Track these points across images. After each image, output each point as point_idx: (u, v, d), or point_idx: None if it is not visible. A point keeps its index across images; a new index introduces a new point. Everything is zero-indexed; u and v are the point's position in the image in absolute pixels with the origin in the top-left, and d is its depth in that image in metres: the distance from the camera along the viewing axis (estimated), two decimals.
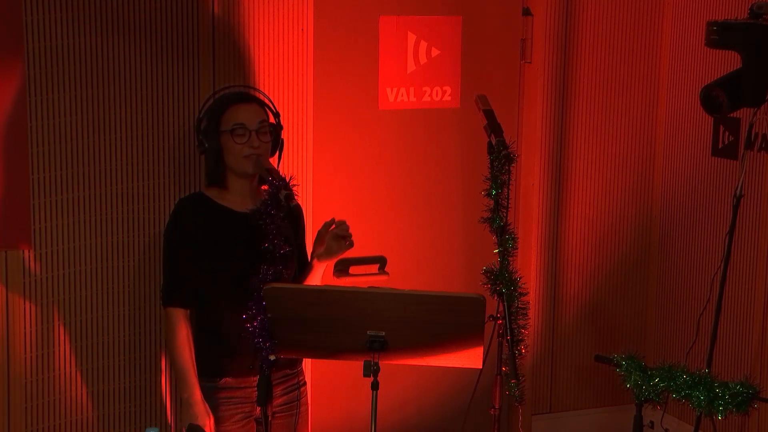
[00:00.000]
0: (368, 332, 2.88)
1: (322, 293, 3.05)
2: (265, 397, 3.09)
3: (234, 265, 3.31)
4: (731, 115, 4.16)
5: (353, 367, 2.90)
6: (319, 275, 3.46)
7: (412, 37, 4.40)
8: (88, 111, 3.73)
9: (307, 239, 3.66)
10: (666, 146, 4.84)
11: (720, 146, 4.53)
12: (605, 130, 4.78)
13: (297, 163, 4.08)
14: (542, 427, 4.83)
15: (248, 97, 3.44)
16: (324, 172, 4.27)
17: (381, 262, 4.40)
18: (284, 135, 3.56)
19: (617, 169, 4.82)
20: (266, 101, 3.46)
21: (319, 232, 3.40)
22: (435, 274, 4.55)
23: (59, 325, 3.76)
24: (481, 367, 3.06)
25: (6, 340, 3.68)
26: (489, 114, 3.42)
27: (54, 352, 3.76)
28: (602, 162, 4.79)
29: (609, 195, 4.83)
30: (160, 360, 3.93)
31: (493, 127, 3.36)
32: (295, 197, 3.20)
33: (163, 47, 3.82)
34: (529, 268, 4.70)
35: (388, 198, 4.46)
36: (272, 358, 3.07)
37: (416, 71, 4.42)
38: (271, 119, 3.44)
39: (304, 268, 3.51)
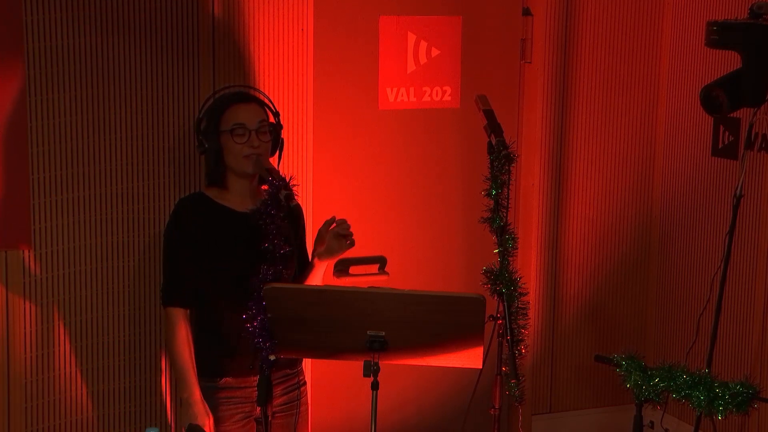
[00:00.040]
0: (368, 332, 2.88)
1: (322, 293, 3.05)
2: (265, 397, 3.09)
3: (234, 265, 3.31)
4: (731, 115, 4.16)
5: (353, 367, 2.90)
6: (320, 274, 3.46)
7: (412, 37, 4.40)
8: (88, 111, 3.73)
9: (307, 239, 3.66)
10: (666, 146, 4.84)
11: (720, 146, 4.53)
12: (605, 130, 4.78)
13: (297, 163, 4.08)
14: (542, 427, 4.83)
15: (248, 96, 3.44)
16: (324, 172, 4.27)
17: (381, 262, 4.40)
18: (284, 135, 3.56)
19: (617, 169, 4.82)
20: (266, 101, 3.46)
21: (320, 230, 3.40)
22: (435, 274, 4.55)
23: (59, 325, 3.76)
24: (481, 367, 3.06)
25: (6, 340, 3.68)
26: (489, 114, 3.42)
27: (54, 352, 3.76)
28: (602, 162, 4.79)
29: (609, 195, 4.83)
30: (160, 360, 3.93)
31: (493, 127, 3.36)
32: (295, 197, 3.20)
33: (163, 47, 3.82)
34: (529, 268, 4.70)
35: (388, 198, 4.46)
36: (272, 358, 3.07)
37: (416, 71, 4.42)
38: (271, 119, 3.44)
39: (304, 267, 3.51)
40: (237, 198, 3.40)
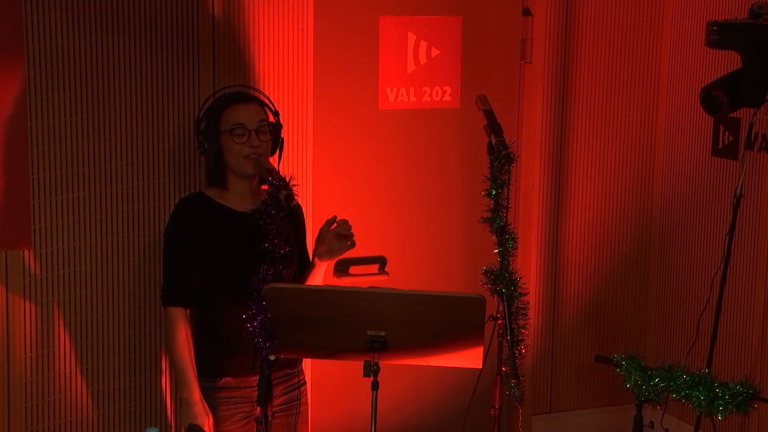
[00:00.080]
0: (368, 332, 2.88)
1: (322, 293, 3.05)
2: (265, 397, 3.09)
3: (234, 265, 3.31)
4: (731, 115, 4.16)
5: (353, 367, 2.90)
6: (321, 274, 3.46)
7: (412, 37, 4.40)
8: (88, 111, 3.73)
9: (307, 239, 3.66)
10: (666, 146, 4.84)
11: (720, 146, 4.53)
12: (605, 130, 4.78)
13: (297, 163, 4.08)
14: (542, 427, 4.83)
15: (247, 96, 3.44)
16: (324, 172, 4.27)
17: (381, 262, 4.40)
18: (284, 135, 3.56)
19: (617, 169, 4.82)
20: (265, 100, 3.46)
21: (321, 230, 3.40)
22: (435, 274, 4.55)
23: (59, 325, 3.76)
24: (481, 367, 3.06)
25: (6, 340, 3.68)
26: (489, 114, 3.42)
27: (54, 352, 3.76)
28: (602, 162, 4.79)
29: (609, 195, 4.83)
30: (160, 360, 3.93)
31: (493, 127, 3.36)
32: (295, 197, 3.20)
33: (163, 47, 3.82)
34: (529, 268, 4.70)
35: (388, 198, 4.46)
36: (272, 358, 3.07)
37: (416, 71, 4.42)
38: (271, 118, 3.44)
39: (304, 267, 3.51)
40: (237, 198, 3.40)
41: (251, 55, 3.96)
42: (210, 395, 3.33)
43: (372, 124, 4.38)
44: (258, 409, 3.13)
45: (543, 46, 4.59)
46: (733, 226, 4.07)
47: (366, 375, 2.84)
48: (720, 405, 3.06)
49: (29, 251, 3.69)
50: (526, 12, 4.60)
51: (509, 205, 3.34)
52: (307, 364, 3.99)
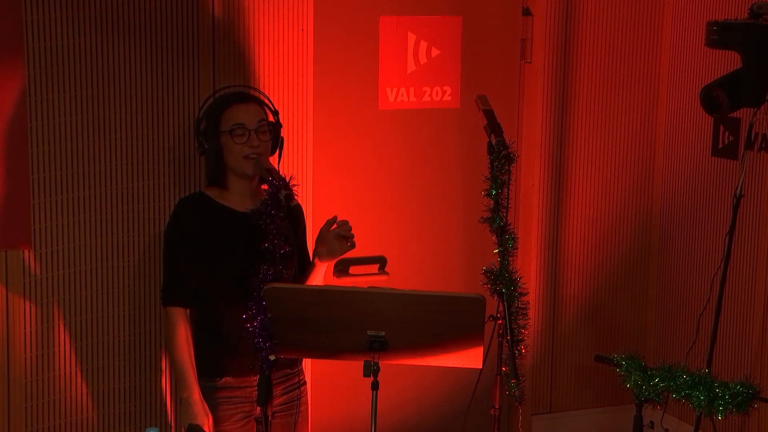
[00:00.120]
0: (368, 332, 2.88)
1: (322, 293, 3.05)
2: (265, 397, 3.09)
3: (234, 265, 3.31)
4: (731, 115, 4.16)
5: (353, 367, 2.90)
6: (321, 275, 3.46)
7: (412, 37, 4.40)
8: (88, 111, 3.73)
9: (307, 239, 3.66)
10: (666, 146, 4.84)
11: (720, 146, 4.53)
12: (605, 130, 4.78)
13: (297, 163, 4.08)
14: (542, 427, 4.83)
15: (247, 96, 3.44)
16: (324, 172, 4.27)
17: (381, 262, 4.40)
18: (284, 135, 3.56)
19: (617, 169, 4.82)
20: (264, 100, 3.46)
21: (321, 230, 3.40)
22: (435, 274, 4.55)
23: (59, 325, 3.76)
24: (481, 367, 3.06)
25: (6, 340, 3.68)
26: (489, 114, 3.42)
27: (54, 352, 3.76)
28: (602, 162, 4.79)
29: (609, 195, 4.83)
30: (160, 360, 3.93)
31: (493, 127, 3.36)
32: (295, 197, 3.20)
33: (163, 47, 3.82)
34: (529, 268, 4.70)
35: (388, 198, 4.46)
36: (272, 358, 3.07)
37: (416, 71, 4.42)
38: (270, 118, 3.44)
39: (305, 267, 3.51)
40: (237, 198, 3.40)
41: (251, 55, 3.96)
42: (210, 395, 3.33)
43: (372, 124, 4.38)
44: (258, 409, 3.13)
45: (543, 46, 4.59)
46: (733, 226, 4.07)
47: (366, 375, 2.84)
48: (720, 405, 3.06)
49: (29, 251, 3.69)
50: (526, 12, 4.60)
51: (509, 205, 3.34)
52: (307, 364, 3.99)
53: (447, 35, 4.46)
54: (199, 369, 3.33)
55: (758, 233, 4.35)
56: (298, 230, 3.54)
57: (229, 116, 3.35)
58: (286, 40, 4.02)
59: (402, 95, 4.41)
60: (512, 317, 3.28)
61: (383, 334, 2.87)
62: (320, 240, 3.40)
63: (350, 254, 3.45)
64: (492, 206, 3.31)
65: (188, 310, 3.37)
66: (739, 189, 4.05)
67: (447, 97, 4.49)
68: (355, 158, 4.37)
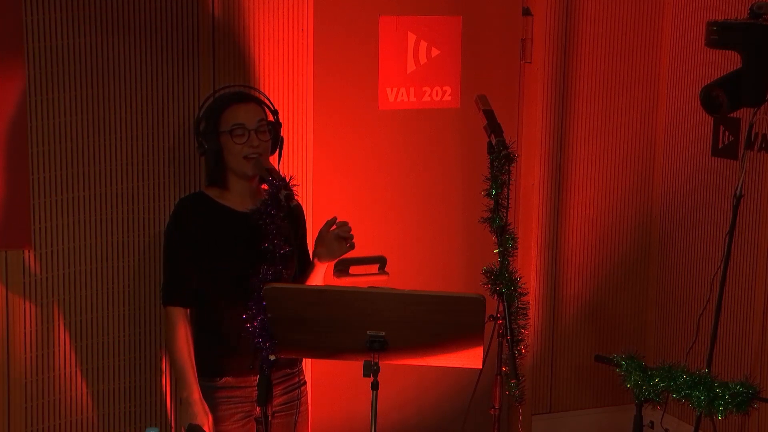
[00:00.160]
0: (368, 332, 2.88)
1: (322, 293, 3.05)
2: (265, 397, 3.09)
3: (234, 265, 3.31)
4: (731, 115, 4.16)
5: (353, 367, 2.90)
6: (321, 275, 3.46)
7: (412, 37, 4.40)
8: (88, 111, 3.73)
9: (308, 238, 3.66)
10: (666, 146, 4.84)
11: (720, 146, 4.53)
12: (605, 130, 4.78)
13: (297, 163, 4.08)
14: (542, 427, 4.82)
15: (246, 96, 3.44)
16: (324, 172, 4.27)
17: (381, 262, 4.40)
18: (284, 135, 3.56)
19: (617, 169, 4.82)
20: (264, 99, 3.46)
21: (321, 231, 3.40)
22: (435, 274, 4.55)
23: (59, 325, 3.76)
24: (481, 367, 3.06)
25: (6, 340, 3.68)
26: (489, 114, 3.42)
27: (54, 352, 3.76)
28: (602, 162, 4.79)
29: (609, 195, 4.83)
30: (160, 360, 3.93)
31: (493, 127, 3.36)
32: (295, 197, 3.20)
33: (163, 47, 3.82)
34: (529, 268, 4.70)
35: (388, 198, 4.46)
36: (272, 358, 3.07)
37: (416, 71, 4.42)
38: (270, 117, 3.44)
39: (305, 267, 3.51)
40: (237, 198, 3.40)
41: (251, 55, 3.96)
42: (210, 395, 3.33)
43: (372, 124, 4.38)
44: (258, 408, 3.14)
45: (543, 46, 4.59)
46: (733, 226, 4.07)
47: (366, 375, 2.84)
48: (720, 405, 3.06)
49: (29, 251, 3.69)
50: (526, 12, 4.60)
51: (509, 205, 3.34)
52: (307, 364, 3.99)
53: (447, 35, 4.46)
54: (199, 369, 3.33)
55: (758, 233, 4.35)
56: (298, 230, 3.54)
57: (229, 116, 3.34)
58: (286, 40, 4.02)
59: (402, 95, 4.41)
60: (512, 317, 3.28)
61: (383, 334, 2.87)
62: (320, 241, 3.40)
63: (350, 254, 3.45)
64: (492, 206, 3.31)
65: (188, 310, 3.37)
66: (739, 189, 4.05)
67: (447, 97, 4.49)
68: (355, 158, 4.37)
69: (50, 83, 3.65)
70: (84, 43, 3.69)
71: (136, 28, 3.76)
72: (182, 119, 3.86)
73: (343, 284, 4.26)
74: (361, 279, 4.31)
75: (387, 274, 4.38)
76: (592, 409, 4.91)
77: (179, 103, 3.86)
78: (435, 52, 4.44)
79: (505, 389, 3.34)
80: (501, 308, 3.28)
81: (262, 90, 3.75)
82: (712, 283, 4.22)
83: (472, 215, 3.70)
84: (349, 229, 3.36)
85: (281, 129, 3.46)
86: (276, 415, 3.31)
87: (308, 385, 3.66)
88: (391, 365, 2.99)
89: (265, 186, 3.23)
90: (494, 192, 3.30)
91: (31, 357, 3.72)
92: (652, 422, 4.62)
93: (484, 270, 3.32)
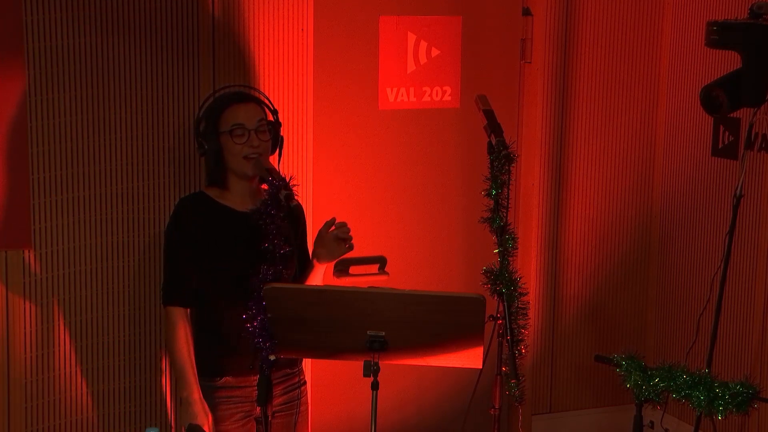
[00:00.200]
0: (368, 332, 2.88)
1: (322, 293, 3.05)
2: (265, 397, 3.09)
3: (234, 265, 3.31)
4: (731, 115, 4.16)
5: (353, 367, 2.90)
6: (320, 275, 3.46)
7: (412, 37, 4.40)
8: (88, 111, 3.73)
9: (308, 239, 3.66)
10: (666, 146, 4.84)
11: (720, 146, 4.53)
12: (605, 130, 4.78)
13: (297, 163, 4.08)
14: (542, 427, 4.83)
15: (246, 96, 3.44)
16: (324, 172, 4.27)
17: (381, 262, 4.40)
18: (284, 135, 3.56)
19: (617, 169, 4.82)
20: (263, 99, 3.46)
21: (320, 231, 3.40)
22: (435, 274, 4.55)
23: (59, 325, 3.76)
24: (481, 367, 3.06)
25: (6, 340, 3.68)
26: (489, 114, 3.42)
27: (54, 352, 3.76)
28: (602, 162, 4.79)
29: (609, 195, 4.83)
30: (160, 360, 3.93)
31: (493, 127, 3.36)
32: (295, 197, 3.20)
33: (163, 47, 3.82)
34: (529, 268, 4.70)
35: (388, 198, 4.46)
36: (272, 358, 3.07)
37: (416, 71, 4.43)
38: (270, 117, 3.44)
39: (305, 267, 3.51)
40: (238, 198, 3.40)
41: (251, 55, 3.96)
42: (210, 395, 3.33)
43: (372, 124, 4.38)
44: (258, 408, 3.14)
45: (543, 46, 4.59)
46: (733, 226, 4.07)
47: (366, 375, 2.84)
48: (720, 405, 3.06)
49: (29, 251, 3.69)
50: (526, 12, 4.60)
51: (509, 205, 3.34)
52: (307, 364, 3.99)
53: (447, 35, 4.46)
54: (199, 369, 3.33)
55: (758, 233, 4.35)
56: (298, 230, 3.54)
57: (229, 116, 3.34)
58: (286, 40, 4.02)
59: (402, 95, 4.41)
60: (512, 317, 3.28)
61: (383, 334, 2.87)
62: (319, 242, 3.40)
63: (350, 254, 3.45)
64: (492, 206, 3.31)
65: (188, 310, 3.37)
66: (739, 189, 4.05)
67: (447, 97, 4.49)
68: (355, 158, 4.37)
69: (50, 83, 3.66)
70: (84, 43, 3.69)
71: (136, 28, 3.76)
72: (182, 119, 3.86)
73: (343, 284, 4.26)
74: (361, 279, 4.31)
75: (387, 274, 4.38)
76: (592, 409, 4.91)
77: (179, 103, 3.86)
78: (435, 52, 4.44)
79: (505, 389, 3.34)
80: (501, 308, 3.28)
81: (262, 90, 3.75)
82: (712, 283, 4.22)
83: (472, 215, 3.70)
84: (348, 231, 3.36)
85: (281, 129, 3.46)
86: (276, 415, 3.31)
87: (308, 385, 3.66)
88: (391, 365, 2.99)
89: (265, 186, 3.23)
90: (494, 192, 3.30)
91: (31, 357, 3.72)
92: (652, 422, 4.62)
93: (484, 270, 3.32)
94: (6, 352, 3.68)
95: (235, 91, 3.47)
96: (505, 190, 3.32)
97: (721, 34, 3.89)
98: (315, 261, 3.42)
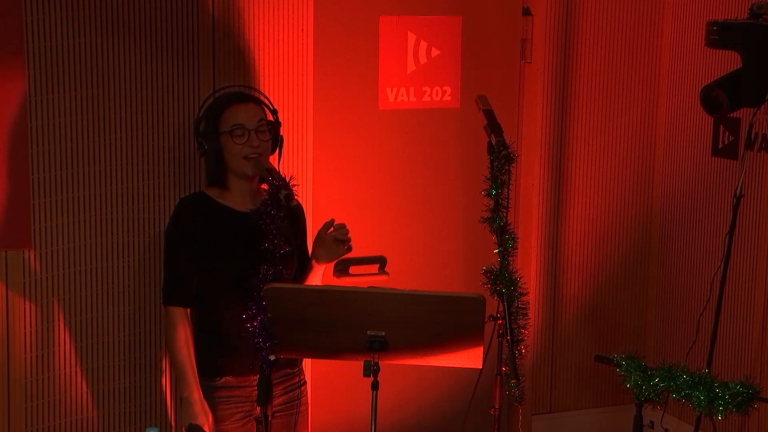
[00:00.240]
0: (368, 332, 2.88)
1: (322, 293, 3.05)
2: (265, 397, 3.09)
3: (234, 265, 3.31)
4: (731, 115, 4.16)
5: (353, 367, 2.90)
6: (319, 276, 3.46)
7: (412, 37, 4.40)
8: (88, 111, 3.73)
9: (308, 239, 3.66)
10: (666, 146, 4.84)
11: (720, 146, 4.53)
12: (605, 130, 4.78)
13: (297, 163, 4.08)
14: (542, 427, 4.83)
15: (246, 96, 3.44)
16: (324, 172, 4.27)
17: (381, 262, 4.40)
18: (284, 135, 3.56)
19: (617, 169, 4.82)
20: (263, 99, 3.46)
21: (319, 232, 3.41)
22: (435, 274, 4.55)
23: (59, 325, 3.76)
24: (481, 367, 3.06)
25: (6, 340, 3.68)
26: (489, 114, 3.42)
27: (54, 352, 3.76)
28: (602, 162, 4.79)
29: (609, 195, 4.83)
30: (160, 360, 3.93)
31: (493, 127, 3.36)
32: (295, 197, 3.20)
33: (163, 47, 3.82)
34: (529, 268, 4.70)
35: (388, 198, 4.46)
36: (272, 358, 3.08)
37: (416, 71, 4.42)
38: (269, 117, 3.44)
39: (305, 267, 3.51)
40: (238, 198, 3.40)
41: (251, 55, 3.96)
42: (210, 395, 3.33)
43: (372, 124, 4.38)
44: (258, 408, 3.14)
45: (543, 46, 4.59)
46: (733, 226, 4.07)
47: (366, 375, 2.84)
48: (720, 405, 3.06)
49: (29, 251, 3.69)
50: (526, 12, 4.60)
51: (509, 205, 3.34)
52: (307, 364, 3.99)
53: (447, 35, 4.46)
54: (199, 369, 3.33)
55: (758, 233, 4.35)
56: (298, 230, 3.54)
57: (229, 117, 3.35)
58: (286, 40, 4.02)
59: (402, 95, 4.41)
60: (512, 317, 3.28)
61: (383, 334, 2.87)
62: (318, 243, 3.40)
63: (350, 254, 3.45)
64: (492, 206, 3.31)
65: (188, 310, 3.37)
66: (739, 189, 4.05)
67: (447, 97, 4.49)
68: (355, 158, 4.37)
69: (50, 83, 3.66)
70: (84, 43, 3.69)
71: (136, 28, 3.76)
72: (182, 119, 3.86)
73: (343, 284, 4.26)
74: (361, 279, 4.31)
75: (387, 274, 4.38)
76: (592, 409, 4.91)
77: (179, 103, 3.86)
78: (435, 52, 4.44)
79: (505, 389, 3.34)
80: (501, 308, 3.28)
81: (262, 90, 3.75)
82: (712, 283, 4.22)
83: (472, 215, 3.70)
84: (347, 232, 3.36)
85: (281, 128, 3.46)
86: (276, 415, 3.31)
87: (308, 385, 3.66)
88: (391, 365, 2.99)
89: (265, 186, 3.23)
90: (494, 192, 3.30)
91: (31, 357, 3.72)
92: (652, 422, 4.62)
93: (484, 270, 3.32)
94: (6, 352, 3.68)
95: (235, 91, 3.47)
96: (505, 190, 3.32)
97: (721, 34, 3.89)
98: (314, 262, 3.43)
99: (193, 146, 3.73)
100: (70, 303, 3.77)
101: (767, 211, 4.31)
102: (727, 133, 4.49)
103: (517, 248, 3.36)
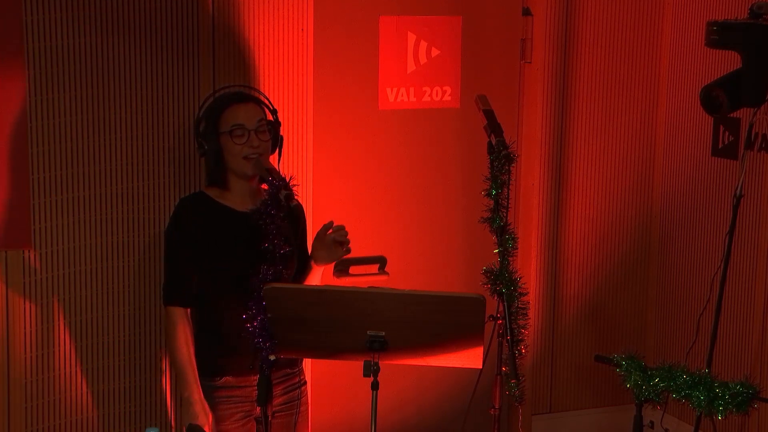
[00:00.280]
0: (368, 332, 2.88)
1: (322, 293, 3.05)
2: (265, 397, 3.09)
3: (234, 265, 3.31)
4: (731, 115, 4.16)
5: (353, 367, 2.90)
6: (318, 277, 3.46)
7: (412, 37, 4.40)
8: (88, 111, 3.73)
9: (308, 239, 3.66)
10: (666, 146, 4.84)
11: (720, 146, 4.53)
12: (605, 130, 4.78)
13: (297, 163, 4.08)
14: (542, 427, 4.83)
15: (245, 96, 3.44)
16: (324, 172, 4.27)
17: (381, 262, 4.40)
18: (284, 135, 3.56)
19: (617, 169, 4.82)
20: (262, 99, 3.46)
21: (318, 234, 3.41)
22: (435, 274, 4.55)
23: (59, 325, 3.76)
24: (481, 367, 3.06)
25: (6, 340, 3.68)
26: (489, 114, 3.42)
27: (54, 352, 3.76)
28: (602, 162, 4.79)
29: (609, 195, 4.83)
30: (160, 360, 3.93)
31: (493, 127, 3.36)
32: (295, 197, 3.20)
33: (163, 47, 3.82)
34: (529, 268, 4.70)
35: (388, 198, 4.46)
36: (272, 358, 3.08)
37: (416, 71, 4.42)
38: (269, 116, 3.44)
39: (305, 267, 3.51)
40: (238, 198, 3.40)
41: (251, 55, 3.96)
42: (210, 395, 3.33)
43: (372, 124, 4.38)
44: (258, 408, 3.14)
45: (543, 46, 4.59)
46: (733, 226, 4.07)
47: (366, 375, 2.84)
48: (720, 405, 3.06)
49: (29, 251, 3.69)
50: (526, 12, 4.60)
51: (509, 205, 3.34)
52: (307, 364, 3.99)
53: (447, 35, 4.46)
54: (200, 368, 3.33)
55: (758, 233, 4.35)
56: (298, 230, 3.54)
57: (229, 117, 3.35)
58: (286, 40, 4.02)
59: (402, 95, 4.41)
60: (512, 317, 3.28)
61: (383, 334, 2.87)
62: (317, 244, 3.40)
63: (351, 254, 3.45)
64: (492, 206, 3.31)
65: (188, 310, 3.37)
66: (739, 189, 4.05)
67: (447, 97, 4.49)
68: (355, 158, 4.37)
69: (50, 83, 3.66)
70: (84, 43, 3.69)
71: (136, 28, 3.76)
72: (182, 119, 3.86)
73: (343, 284, 4.26)
74: (361, 279, 4.31)
75: (387, 274, 4.38)
76: (592, 409, 4.91)
77: (179, 103, 3.86)
78: (435, 52, 4.44)
79: (505, 389, 3.34)
80: (501, 308, 3.28)
81: (262, 90, 3.75)
82: (712, 283, 4.22)
83: (472, 215, 3.70)
84: (346, 234, 3.36)
85: (281, 128, 3.46)
86: (276, 414, 3.31)
87: (308, 385, 3.66)
88: (391, 365, 2.99)
89: (265, 186, 3.23)
90: (494, 192, 3.30)
91: (31, 357, 3.72)
92: (652, 422, 4.62)
93: (484, 270, 3.32)
94: (6, 352, 3.68)
95: (234, 91, 3.47)
96: (505, 190, 3.32)
97: (721, 34, 3.89)
98: (313, 263, 3.43)
99: (193, 146, 3.73)
100: (70, 303, 3.77)
101: (767, 211, 4.31)
102: (727, 133, 4.49)
103: (517, 248, 3.36)
